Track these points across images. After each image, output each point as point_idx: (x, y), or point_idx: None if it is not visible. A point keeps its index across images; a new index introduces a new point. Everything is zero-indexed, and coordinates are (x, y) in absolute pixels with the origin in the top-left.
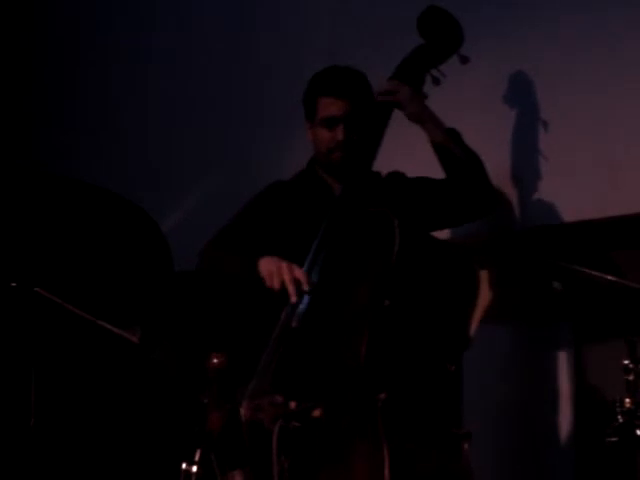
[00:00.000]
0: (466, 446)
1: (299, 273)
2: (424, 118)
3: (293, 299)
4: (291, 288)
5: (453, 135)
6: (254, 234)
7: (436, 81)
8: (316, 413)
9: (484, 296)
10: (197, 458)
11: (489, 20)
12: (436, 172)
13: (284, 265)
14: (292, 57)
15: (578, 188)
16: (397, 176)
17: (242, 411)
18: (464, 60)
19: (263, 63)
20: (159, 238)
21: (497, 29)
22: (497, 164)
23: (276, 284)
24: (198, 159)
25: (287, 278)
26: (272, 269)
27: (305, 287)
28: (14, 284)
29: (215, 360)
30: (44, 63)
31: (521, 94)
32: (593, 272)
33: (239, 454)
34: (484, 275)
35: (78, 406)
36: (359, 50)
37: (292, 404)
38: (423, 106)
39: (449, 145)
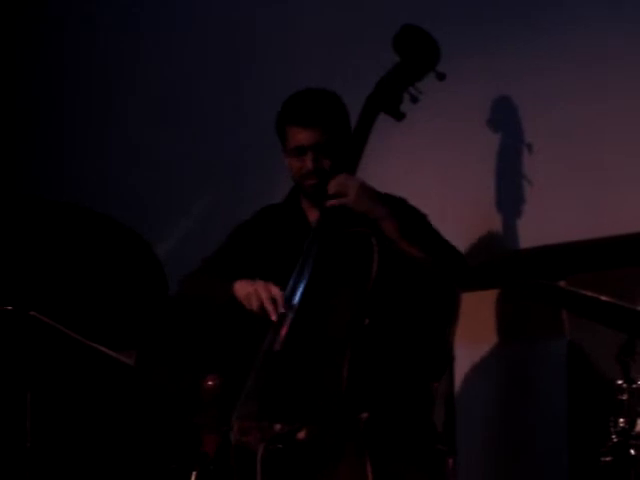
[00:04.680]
0: (450, 462)
1: (275, 291)
2: (376, 214)
3: (274, 317)
4: (270, 307)
5: (406, 227)
6: (236, 263)
7: (414, 99)
8: (301, 435)
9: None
10: None
11: (471, 45)
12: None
13: (260, 285)
14: (291, 72)
15: (564, 210)
16: (394, 200)
17: (230, 435)
18: (441, 77)
19: (260, 78)
20: (153, 261)
21: (479, 54)
22: (482, 187)
23: (255, 305)
24: (193, 182)
25: (264, 297)
26: (249, 291)
27: (280, 307)
28: (10, 308)
29: (210, 382)
30: (31, 79)
31: (504, 117)
32: (586, 292)
33: (228, 476)
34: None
35: (74, 429)
36: (358, 60)
37: (277, 426)
38: (374, 200)
39: (402, 245)
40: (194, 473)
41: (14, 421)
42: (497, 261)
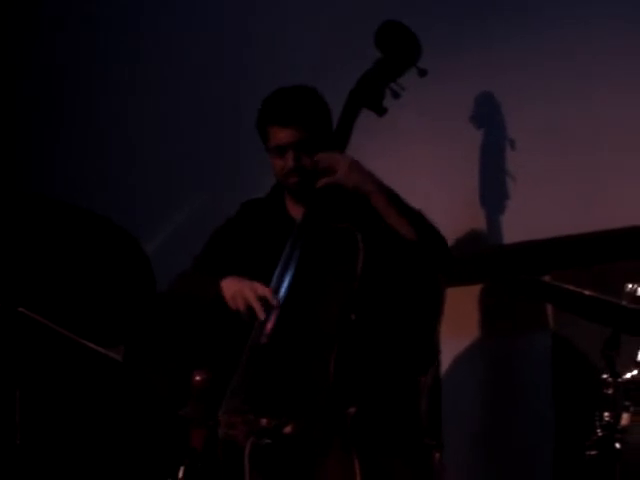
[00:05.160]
0: (437, 456)
1: (262, 290)
2: (367, 189)
3: (261, 316)
4: (257, 305)
5: (396, 201)
6: (223, 259)
7: (396, 95)
8: (288, 429)
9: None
10: (181, 475)
11: (458, 41)
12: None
13: (245, 285)
14: (290, 72)
15: (549, 205)
16: None
17: (217, 429)
18: (422, 73)
19: (260, 78)
20: (141, 258)
21: (465, 50)
22: (466, 183)
23: (241, 305)
24: (184, 179)
25: (251, 297)
26: (234, 291)
27: (272, 302)
28: None
29: (198, 377)
30: (31, 79)
31: (489, 114)
32: (570, 287)
33: (215, 471)
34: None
35: (63, 425)
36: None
37: (264, 421)
38: (364, 175)
39: (391, 218)
40: (182, 467)
41: (3, 418)
42: (482, 256)
